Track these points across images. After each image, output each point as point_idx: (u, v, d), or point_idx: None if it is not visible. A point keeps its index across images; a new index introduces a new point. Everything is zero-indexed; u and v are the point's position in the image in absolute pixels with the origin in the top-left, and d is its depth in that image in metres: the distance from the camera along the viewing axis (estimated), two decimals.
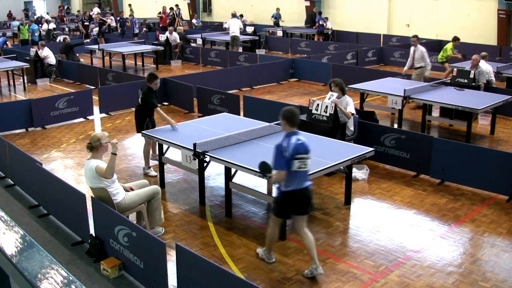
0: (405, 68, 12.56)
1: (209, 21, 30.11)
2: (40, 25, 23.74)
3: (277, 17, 24.76)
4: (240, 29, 19.67)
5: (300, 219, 5.27)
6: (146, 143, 8.04)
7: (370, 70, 14.84)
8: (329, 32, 22.84)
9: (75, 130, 10.75)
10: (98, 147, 5.58)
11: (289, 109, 5.12)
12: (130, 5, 28.83)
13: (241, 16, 25.87)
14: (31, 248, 2.22)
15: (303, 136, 5.14)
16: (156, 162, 8.15)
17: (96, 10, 29.15)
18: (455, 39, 14.38)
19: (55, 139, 10.11)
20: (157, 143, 7.67)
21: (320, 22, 22.07)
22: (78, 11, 38.58)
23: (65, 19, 32.28)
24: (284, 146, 4.97)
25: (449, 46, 14.32)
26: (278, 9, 24.95)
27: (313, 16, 23.27)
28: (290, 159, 4.93)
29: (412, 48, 12.33)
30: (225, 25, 21.21)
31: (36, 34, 20.67)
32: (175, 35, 18.85)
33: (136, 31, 23.42)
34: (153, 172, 8.08)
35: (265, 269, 5.38)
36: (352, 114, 7.93)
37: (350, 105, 7.96)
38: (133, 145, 9.55)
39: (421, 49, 12.08)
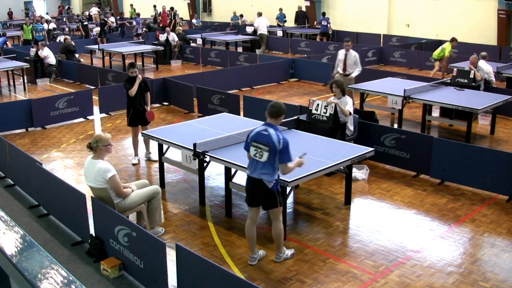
0: (338, 71, 11.06)
1: (209, 21, 30.10)
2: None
3: (279, 18, 24.67)
4: (267, 27, 20.56)
5: (270, 211, 5.39)
6: (133, 135, 8.48)
7: (370, 70, 14.83)
8: (329, 32, 22.82)
9: (75, 130, 10.75)
10: (96, 149, 5.59)
11: (272, 102, 5.36)
12: (132, 5, 28.74)
13: (241, 16, 25.89)
14: (31, 248, 2.22)
15: (273, 130, 5.09)
16: (148, 158, 8.68)
17: (94, 10, 29.09)
18: (453, 39, 14.43)
19: (55, 139, 10.11)
20: (149, 140, 8.13)
21: (323, 23, 22.05)
22: (61, 11, 38.32)
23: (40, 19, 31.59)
24: (249, 131, 5.36)
25: (448, 47, 14.36)
26: (281, 10, 24.83)
27: (304, 15, 23.26)
28: (248, 143, 5.24)
29: (342, 52, 11.00)
30: (255, 24, 21.41)
31: (40, 34, 20.58)
32: (173, 35, 18.87)
33: (139, 31, 23.44)
34: (134, 160, 8.54)
35: (265, 269, 5.38)
36: (350, 113, 7.93)
37: (349, 104, 7.97)
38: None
39: (354, 53, 10.98)
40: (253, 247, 5.49)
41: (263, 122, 5.37)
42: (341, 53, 11.05)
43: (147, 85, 8.51)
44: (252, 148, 5.13)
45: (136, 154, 8.59)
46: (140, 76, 8.21)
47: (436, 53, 14.74)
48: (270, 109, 5.18)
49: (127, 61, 17.86)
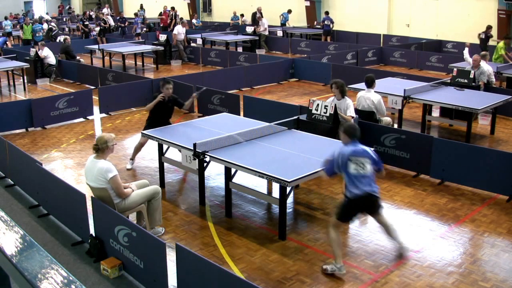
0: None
1: (209, 21, 30.10)
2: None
3: (286, 17, 24.63)
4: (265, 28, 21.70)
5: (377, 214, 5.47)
6: (141, 142, 8.21)
7: (370, 70, 14.81)
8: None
9: (75, 130, 10.75)
10: (105, 149, 5.59)
11: (350, 124, 5.58)
12: (141, 5, 28.38)
13: (242, 15, 25.89)
14: (31, 248, 2.22)
15: (363, 146, 5.29)
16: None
17: (105, 10, 29.16)
18: (507, 37, 14.11)
19: (55, 139, 10.11)
20: None
21: (326, 22, 22.06)
22: (61, 11, 38.17)
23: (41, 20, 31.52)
24: (338, 151, 5.24)
25: (500, 45, 14.16)
26: (290, 11, 24.74)
27: (255, 15, 23.30)
28: (345, 162, 5.15)
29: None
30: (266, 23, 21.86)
31: (38, 34, 20.59)
32: (179, 29, 18.72)
33: (138, 31, 23.43)
34: (128, 165, 8.36)
35: (265, 269, 5.38)
36: (352, 117, 7.95)
37: (350, 108, 7.97)
38: (133, 145, 9.52)
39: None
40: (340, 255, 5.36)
41: (345, 143, 5.32)
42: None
43: (177, 102, 8.09)
44: (351, 164, 5.15)
45: (132, 158, 8.40)
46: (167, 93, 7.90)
47: (494, 57, 14.32)
48: (352, 131, 5.31)
49: (127, 61, 17.94)
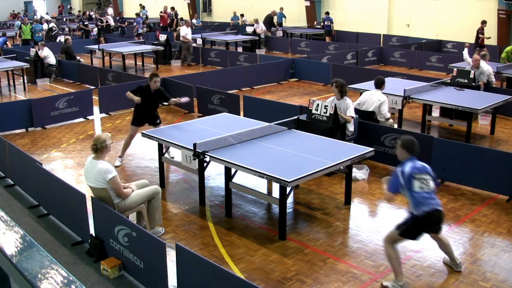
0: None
1: (209, 21, 30.10)
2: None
3: (278, 16, 24.66)
4: (263, 30, 21.73)
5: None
6: (130, 135, 8.38)
7: (370, 70, 14.82)
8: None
9: (75, 130, 10.75)
10: (104, 149, 5.60)
11: (409, 139, 5.19)
12: (141, 4, 28.36)
13: (242, 15, 25.89)
14: (31, 248, 2.22)
15: (421, 162, 5.09)
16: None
17: (110, 10, 29.17)
18: None
19: (55, 139, 10.11)
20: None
21: (326, 23, 22.07)
22: (61, 11, 38.16)
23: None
24: (401, 170, 5.00)
25: (508, 49, 14.16)
26: (281, 9, 24.80)
27: (271, 20, 23.24)
28: (408, 180, 4.93)
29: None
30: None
31: (38, 35, 20.57)
32: (185, 30, 18.59)
33: (140, 31, 23.42)
34: (117, 162, 8.37)
35: (265, 269, 5.38)
36: (352, 117, 7.95)
37: (350, 108, 7.98)
38: (133, 145, 9.51)
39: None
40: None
41: (405, 159, 5.13)
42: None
43: (163, 95, 8.37)
44: (415, 181, 4.93)
45: (121, 156, 8.44)
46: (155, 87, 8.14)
47: (503, 55, 14.36)
48: (412, 146, 5.13)
49: (127, 61, 17.93)
